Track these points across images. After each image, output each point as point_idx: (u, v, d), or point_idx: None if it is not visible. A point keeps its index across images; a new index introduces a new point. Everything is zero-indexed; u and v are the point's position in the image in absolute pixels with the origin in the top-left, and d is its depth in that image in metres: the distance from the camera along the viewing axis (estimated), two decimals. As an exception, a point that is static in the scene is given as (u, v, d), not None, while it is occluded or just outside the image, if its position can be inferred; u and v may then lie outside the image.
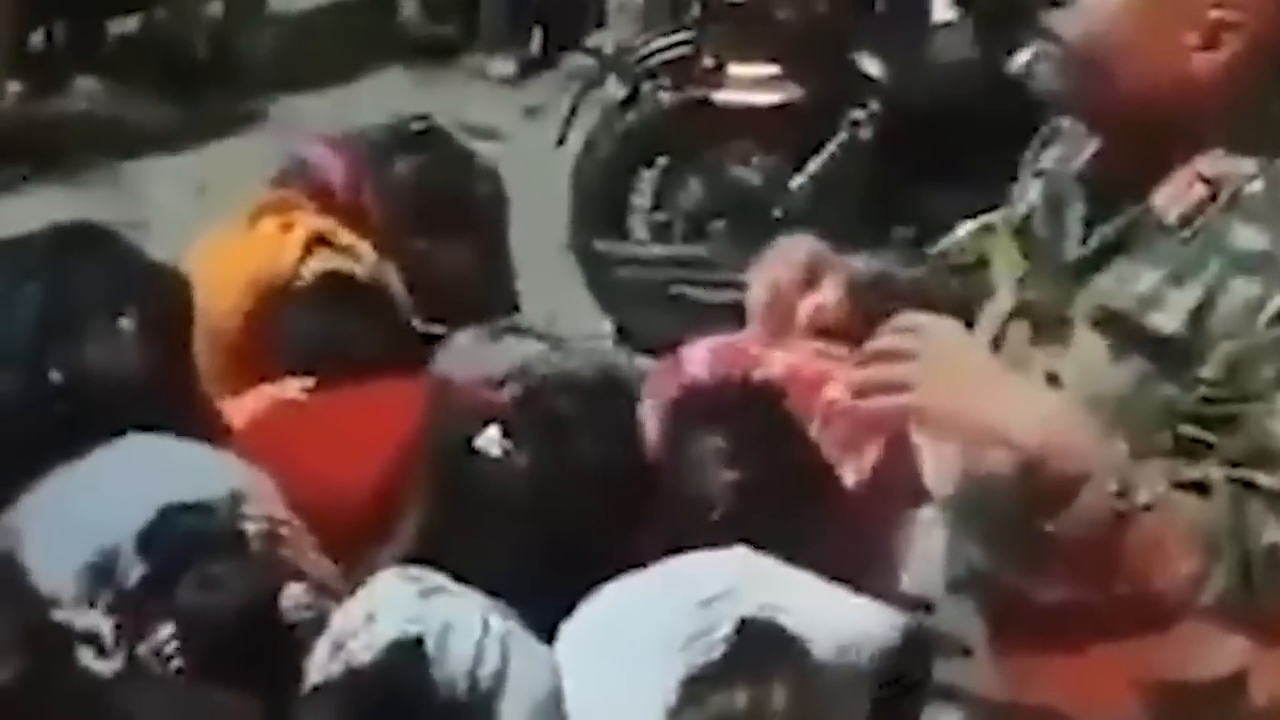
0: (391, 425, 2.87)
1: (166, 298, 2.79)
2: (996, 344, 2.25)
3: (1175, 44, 2.06)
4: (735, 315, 4.24)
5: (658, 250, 5.11)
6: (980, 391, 1.98)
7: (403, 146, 3.85)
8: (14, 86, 6.14)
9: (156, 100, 6.38)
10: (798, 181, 5.05)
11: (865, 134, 5.03)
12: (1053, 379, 2.14)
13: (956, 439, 2.15)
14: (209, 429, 2.74)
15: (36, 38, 6.39)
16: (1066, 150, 2.30)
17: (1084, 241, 2.18)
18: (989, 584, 2.27)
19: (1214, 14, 2.04)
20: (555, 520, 2.41)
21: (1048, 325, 2.20)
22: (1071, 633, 2.16)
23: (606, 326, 5.02)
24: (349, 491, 2.84)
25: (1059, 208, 2.25)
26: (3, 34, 5.90)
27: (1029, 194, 2.33)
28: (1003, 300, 2.29)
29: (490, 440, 2.45)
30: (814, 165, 5.04)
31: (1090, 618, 2.12)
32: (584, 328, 4.10)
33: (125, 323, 2.68)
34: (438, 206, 3.79)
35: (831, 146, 5.04)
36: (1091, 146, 2.22)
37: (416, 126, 3.97)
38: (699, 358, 3.18)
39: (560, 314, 4.42)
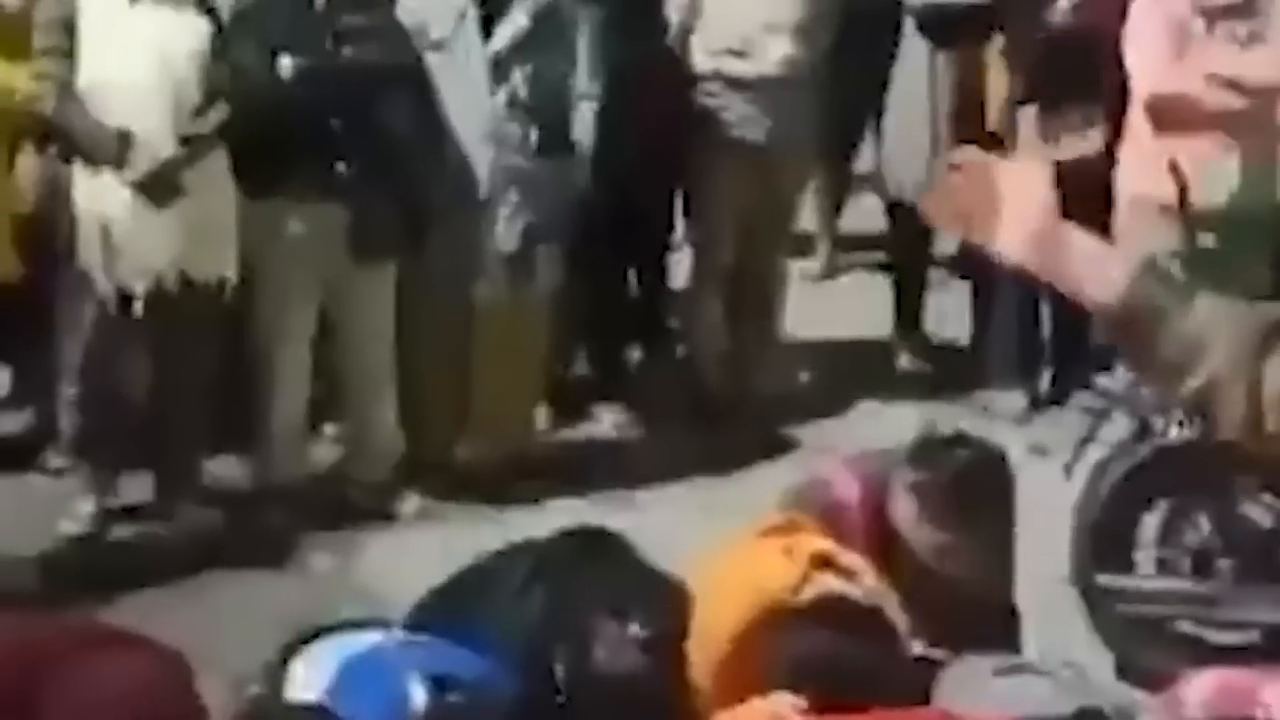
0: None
1: (670, 607, 2.89)
2: None
3: None
4: (1239, 655, 4.10)
5: (1163, 586, 4.99)
6: None
7: (938, 446, 3.92)
8: (543, 413, 6.47)
9: (674, 427, 6.62)
10: (1310, 522, 4.87)
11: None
12: None
13: None
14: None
15: (561, 368, 6.74)
16: None
17: None
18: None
19: None
20: None
21: None
22: None
23: (1107, 662, 4.90)
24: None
25: None
26: (537, 369, 6.23)
27: None
28: None
29: None
30: (1330, 505, 4.86)
31: None
32: (1086, 664, 4.02)
33: (634, 629, 2.78)
34: (973, 499, 3.84)
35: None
36: None
37: (948, 431, 4.04)
38: (1199, 697, 3.14)
39: (1061, 649, 4.35)
